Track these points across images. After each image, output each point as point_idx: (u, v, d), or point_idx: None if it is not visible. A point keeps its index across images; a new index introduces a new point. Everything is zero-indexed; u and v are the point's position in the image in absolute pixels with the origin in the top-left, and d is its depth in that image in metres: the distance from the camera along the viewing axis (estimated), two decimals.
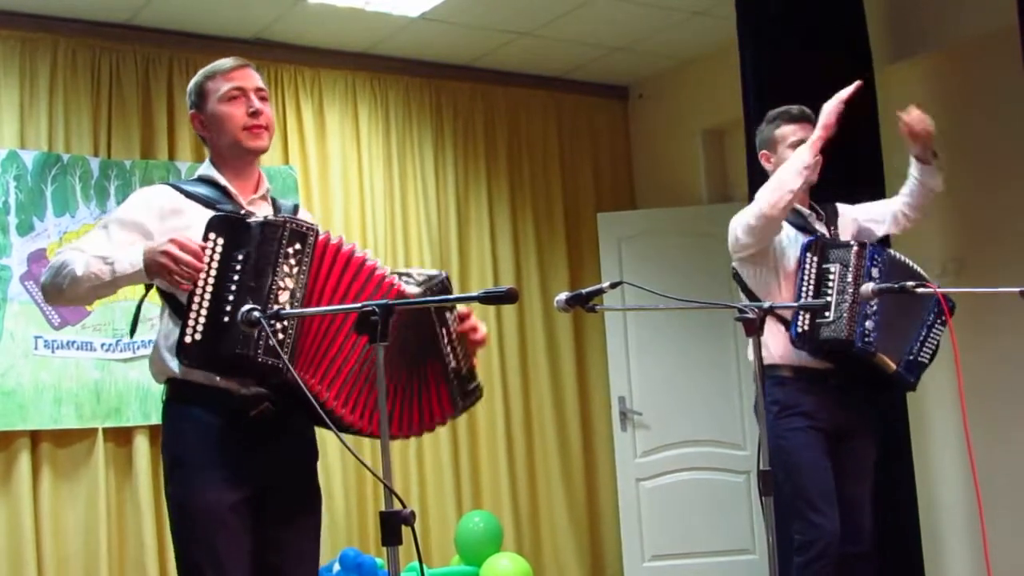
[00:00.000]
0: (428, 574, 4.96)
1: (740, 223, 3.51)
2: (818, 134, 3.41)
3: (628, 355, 5.98)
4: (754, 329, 2.73)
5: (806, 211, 3.65)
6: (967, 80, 4.87)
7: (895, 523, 4.54)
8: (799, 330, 3.42)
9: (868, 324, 3.40)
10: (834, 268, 3.45)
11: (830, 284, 3.43)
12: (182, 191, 2.62)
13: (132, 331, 2.75)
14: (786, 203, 3.39)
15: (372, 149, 5.70)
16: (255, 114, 2.65)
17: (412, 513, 2.04)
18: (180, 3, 4.98)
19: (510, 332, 5.92)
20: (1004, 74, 4.50)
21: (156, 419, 4.69)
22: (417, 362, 2.56)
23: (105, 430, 4.85)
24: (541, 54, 5.91)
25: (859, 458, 3.59)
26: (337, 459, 5.22)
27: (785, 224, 3.54)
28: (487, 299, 2.22)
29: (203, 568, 2.46)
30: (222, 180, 2.65)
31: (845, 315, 3.39)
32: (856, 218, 3.74)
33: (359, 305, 2.16)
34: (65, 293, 2.49)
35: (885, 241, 3.94)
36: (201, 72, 2.71)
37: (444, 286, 2.59)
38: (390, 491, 2.05)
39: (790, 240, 3.56)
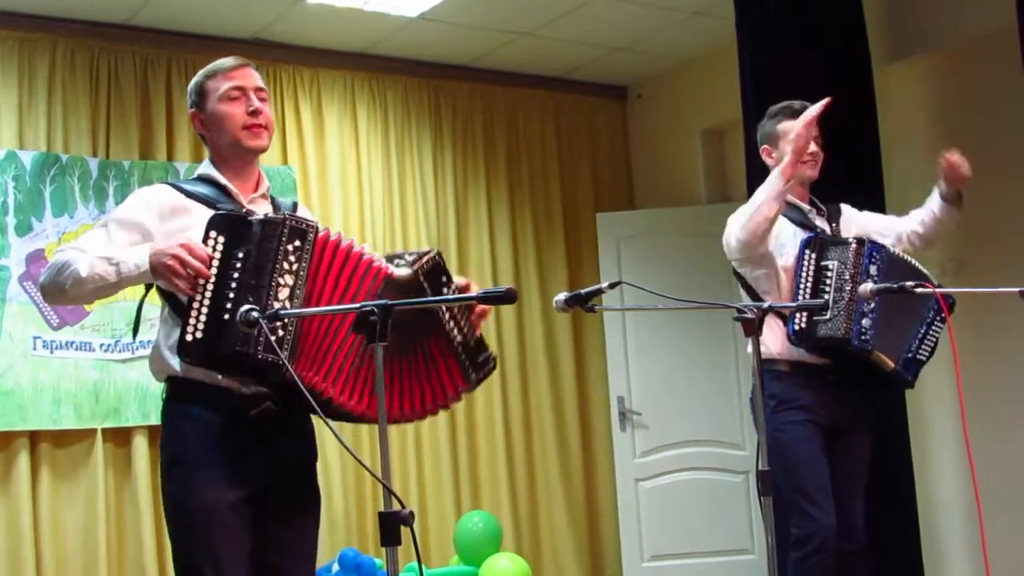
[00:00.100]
0: (427, 574, 4.95)
1: (732, 232, 3.51)
2: (789, 159, 3.40)
3: (627, 355, 5.97)
4: (753, 329, 2.74)
5: (805, 207, 3.65)
6: (966, 80, 4.87)
7: (894, 521, 4.54)
8: (796, 328, 3.42)
9: (865, 322, 3.40)
10: (832, 265, 3.45)
11: (828, 282, 3.43)
12: (182, 190, 2.62)
13: (135, 332, 2.75)
14: (764, 230, 3.41)
15: (371, 149, 5.69)
16: (255, 113, 2.65)
17: (411, 513, 2.04)
18: (179, 3, 4.98)
19: (509, 332, 5.91)
20: (1003, 74, 4.50)
21: (155, 419, 4.69)
22: (419, 336, 2.55)
23: (104, 430, 4.85)
24: (540, 54, 5.91)
25: (855, 456, 3.59)
26: (336, 459, 5.21)
27: (784, 220, 3.54)
28: (486, 299, 2.24)
29: (202, 567, 2.45)
30: (222, 179, 2.65)
31: (842, 313, 3.39)
32: (860, 223, 3.74)
33: (358, 305, 2.16)
34: (67, 293, 2.48)
35: None
36: (202, 71, 2.72)
37: (436, 262, 2.58)
38: (389, 491, 2.05)
39: (789, 236, 3.56)
